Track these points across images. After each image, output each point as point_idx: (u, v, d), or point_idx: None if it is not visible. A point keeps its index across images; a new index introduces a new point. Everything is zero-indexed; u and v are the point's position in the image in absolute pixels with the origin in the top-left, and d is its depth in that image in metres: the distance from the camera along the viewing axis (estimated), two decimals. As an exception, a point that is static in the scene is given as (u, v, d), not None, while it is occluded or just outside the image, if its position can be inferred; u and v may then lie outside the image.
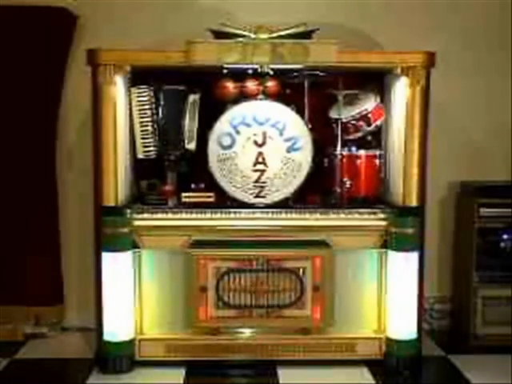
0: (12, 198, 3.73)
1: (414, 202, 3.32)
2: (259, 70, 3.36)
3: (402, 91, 3.34)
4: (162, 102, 3.45)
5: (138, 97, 3.44)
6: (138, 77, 3.45)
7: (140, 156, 3.50)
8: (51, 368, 3.50)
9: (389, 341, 3.41)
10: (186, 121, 3.46)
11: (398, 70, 3.28)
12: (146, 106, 3.45)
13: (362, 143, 3.55)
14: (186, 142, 3.48)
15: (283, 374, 3.36)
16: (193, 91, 3.48)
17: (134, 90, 3.44)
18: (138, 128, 3.46)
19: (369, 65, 3.32)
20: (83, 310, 3.86)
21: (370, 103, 3.51)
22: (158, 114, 3.45)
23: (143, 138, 3.48)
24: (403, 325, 3.38)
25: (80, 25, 3.74)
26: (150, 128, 3.47)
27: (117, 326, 3.35)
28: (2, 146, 3.71)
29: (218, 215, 3.36)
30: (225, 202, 3.44)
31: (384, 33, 3.78)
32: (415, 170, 3.30)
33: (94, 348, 3.51)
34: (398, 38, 3.72)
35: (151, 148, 3.49)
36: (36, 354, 3.63)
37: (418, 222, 3.33)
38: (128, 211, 3.35)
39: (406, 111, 3.29)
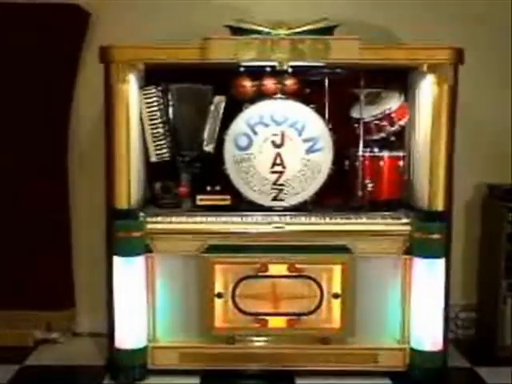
0: (23, 201, 3.66)
1: (440, 206, 3.20)
2: (277, 68, 3.24)
3: (427, 89, 3.22)
4: (176, 102, 3.35)
5: (146, 98, 3.36)
6: (153, 75, 3.36)
7: (153, 159, 3.42)
8: (62, 375, 3.44)
9: (413, 352, 3.29)
10: (208, 122, 3.38)
11: (424, 68, 3.17)
12: (155, 108, 3.37)
13: (384, 144, 3.44)
14: (204, 143, 3.39)
15: (301, 384, 3.27)
16: (218, 92, 3.39)
17: (141, 91, 3.35)
18: (148, 131, 3.38)
19: (393, 62, 3.20)
20: (95, 315, 3.77)
21: (393, 102, 3.40)
22: (168, 114, 3.36)
23: (155, 141, 3.40)
24: (428, 335, 3.26)
25: (92, 22, 3.67)
26: (161, 130, 3.38)
27: (129, 333, 3.27)
28: (14, 145, 3.65)
29: (234, 219, 3.27)
30: (241, 204, 3.35)
31: (407, 29, 3.65)
32: (442, 173, 3.19)
33: (105, 354, 3.44)
34: (422, 34, 3.59)
35: (164, 150, 3.41)
36: (46, 361, 3.57)
37: (444, 227, 3.21)
38: (141, 214, 3.26)
39: (433, 111, 3.18)
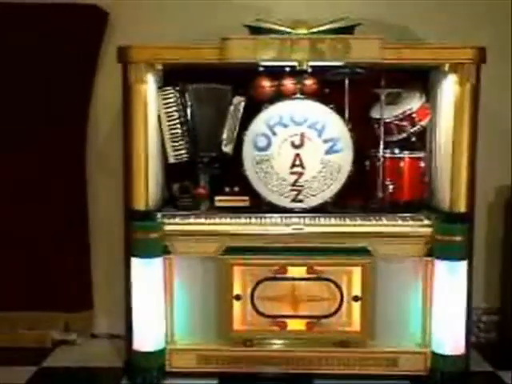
0: (41, 201, 3.65)
1: (462, 207, 3.13)
2: (297, 68, 3.20)
3: (449, 89, 3.15)
4: (194, 102, 3.33)
5: (164, 99, 3.33)
6: (172, 75, 3.34)
7: (171, 160, 3.40)
8: (79, 376, 3.42)
9: (434, 355, 3.22)
10: (227, 122, 3.34)
11: (446, 67, 3.11)
12: (173, 108, 3.34)
13: (405, 144, 3.38)
14: (223, 144, 3.35)
15: (320, 388, 3.23)
16: (238, 93, 3.36)
17: (159, 91, 3.32)
18: (166, 131, 3.35)
19: (414, 61, 3.14)
20: (112, 316, 3.75)
21: (414, 102, 3.34)
22: (186, 114, 3.33)
23: (173, 142, 3.37)
24: (449, 339, 3.19)
25: (110, 22, 3.66)
26: (179, 130, 3.36)
27: (147, 335, 3.24)
28: (32, 145, 3.63)
29: (253, 220, 3.23)
30: (260, 206, 3.31)
31: (427, 27, 3.59)
32: (464, 174, 3.12)
33: (123, 356, 3.41)
34: (442, 32, 3.53)
35: (182, 151, 3.38)
36: (64, 362, 3.55)
37: (466, 229, 3.15)
38: (159, 215, 3.23)
39: (454, 111, 3.11)
